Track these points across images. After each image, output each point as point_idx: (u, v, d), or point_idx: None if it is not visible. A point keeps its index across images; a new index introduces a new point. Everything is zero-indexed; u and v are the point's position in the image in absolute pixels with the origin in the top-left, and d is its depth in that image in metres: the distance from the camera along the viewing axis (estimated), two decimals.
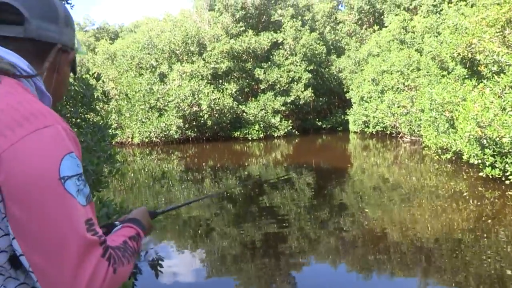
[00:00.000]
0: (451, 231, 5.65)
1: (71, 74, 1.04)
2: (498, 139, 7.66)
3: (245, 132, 23.96)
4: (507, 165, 7.86)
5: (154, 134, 22.02)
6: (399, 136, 19.59)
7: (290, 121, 25.38)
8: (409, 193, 8.22)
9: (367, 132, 22.82)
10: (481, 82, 9.63)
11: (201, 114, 22.14)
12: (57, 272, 0.70)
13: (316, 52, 27.28)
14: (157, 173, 12.81)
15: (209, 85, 22.71)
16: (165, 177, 12.10)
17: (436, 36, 16.59)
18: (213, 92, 22.09)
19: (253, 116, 23.89)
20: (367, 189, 9.10)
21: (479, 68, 10.49)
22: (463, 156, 9.24)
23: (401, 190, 8.56)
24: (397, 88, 19.14)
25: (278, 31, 26.41)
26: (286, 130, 24.54)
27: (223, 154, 17.87)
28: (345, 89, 27.56)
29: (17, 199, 0.69)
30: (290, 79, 25.26)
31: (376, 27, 27.98)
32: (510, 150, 7.71)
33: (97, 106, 4.22)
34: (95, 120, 4.09)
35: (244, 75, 25.80)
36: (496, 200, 7.25)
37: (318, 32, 29.66)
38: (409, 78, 18.59)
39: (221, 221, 6.80)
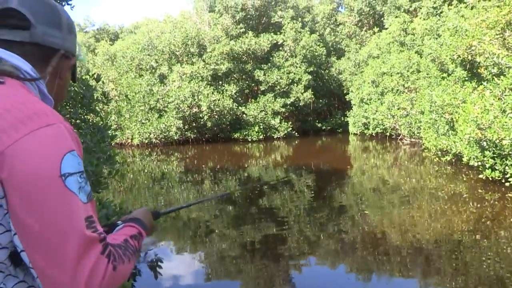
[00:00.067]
0: (450, 233, 5.64)
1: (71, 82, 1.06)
2: (498, 141, 7.65)
3: (245, 133, 23.96)
4: (507, 167, 7.85)
5: (154, 135, 22.01)
6: (399, 138, 19.59)
7: (290, 122, 25.40)
8: (408, 195, 8.21)
9: (367, 134, 22.82)
10: (481, 84, 9.63)
11: (201, 115, 22.14)
12: (56, 269, 0.70)
13: (316, 53, 27.31)
14: (157, 174, 12.80)
15: (209, 86, 22.72)
16: (164, 178, 12.09)
17: (436, 38, 16.59)
18: (213, 93, 22.10)
19: (253, 117, 23.89)
20: (366, 191, 9.09)
21: (479, 70, 10.49)
22: (463, 158, 9.23)
23: (401, 192, 8.55)
24: (397, 90, 19.15)
25: (278, 33, 26.43)
26: (286, 132, 24.54)
27: (222, 156, 17.86)
28: (345, 91, 27.57)
29: (18, 195, 0.70)
30: (290, 80, 25.27)
31: (376, 29, 28.00)
32: (510, 152, 7.71)
33: (96, 107, 4.21)
34: (94, 121, 4.08)
35: (244, 77, 25.81)
36: (496, 202, 7.25)
37: (318, 33, 29.69)
38: (409, 80, 18.60)
39: (221, 222, 6.79)
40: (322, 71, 28.86)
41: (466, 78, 11.60)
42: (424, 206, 7.21)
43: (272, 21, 27.15)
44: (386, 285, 4.26)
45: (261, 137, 23.90)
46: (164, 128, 21.78)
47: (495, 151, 8.07)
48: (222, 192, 9.35)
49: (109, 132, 4.01)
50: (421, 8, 24.00)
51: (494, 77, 9.26)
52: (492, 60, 9.47)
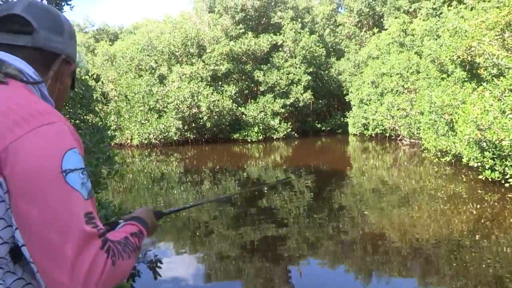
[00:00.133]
0: (450, 234, 5.64)
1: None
2: (497, 142, 7.66)
3: (244, 134, 23.95)
4: (506, 168, 7.85)
5: (153, 135, 22.00)
6: (399, 138, 19.60)
7: (290, 123, 25.40)
8: (408, 195, 8.21)
9: (367, 135, 22.82)
10: (481, 85, 9.63)
11: (200, 116, 22.13)
12: (56, 263, 0.72)
13: (316, 54, 27.32)
14: (156, 175, 12.78)
15: (208, 87, 22.71)
16: (164, 178, 12.07)
17: (436, 39, 16.61)
18: (212, 94, 22.09)
19: (252, 118, 23.88)
20: (366, 191, 9.09)
21: (478, 71, 10.50)
22: (462, 159, 9.23)
23: (401, 192, 8.55)
24: (397, 90, 19.16)
25: (278, 33, 26.44)
26: (285, 132, 24.54)
27: (222, 156, 17.85)
28: (344, 92, 27.58)
29: (20, 191, 0.72)
30: (290, 81, 25.28)
31: (375, 30, 28.03)
32: (509, 153, 7.71)
33: (96, 108, 4.20)
34: (94, 122, 4.07)
35: (243, 77, 25.81)
36: (496, 203, 7.24)
37: (318, 34, 29.72)
38: (408, 81, 18.61)
39: (220, 223, 6.78)
40: (322, 72, 28.86)
41: (466, 79, 11.61)
42: (424, 206, 7.20)
43: (271, 22, 27.16)
44: (386, 286, 4.25)
45: (260, 137, 23.89)
46: (163, 128, 21.77)
47: (495, 151, 8.07)
48: (222, 193, 9.33)
49: (109, 132, 4.00)
50: (420, 9, 24.04)
51: (493, 78, 9.27)
52: (492, 61, 9.48)
